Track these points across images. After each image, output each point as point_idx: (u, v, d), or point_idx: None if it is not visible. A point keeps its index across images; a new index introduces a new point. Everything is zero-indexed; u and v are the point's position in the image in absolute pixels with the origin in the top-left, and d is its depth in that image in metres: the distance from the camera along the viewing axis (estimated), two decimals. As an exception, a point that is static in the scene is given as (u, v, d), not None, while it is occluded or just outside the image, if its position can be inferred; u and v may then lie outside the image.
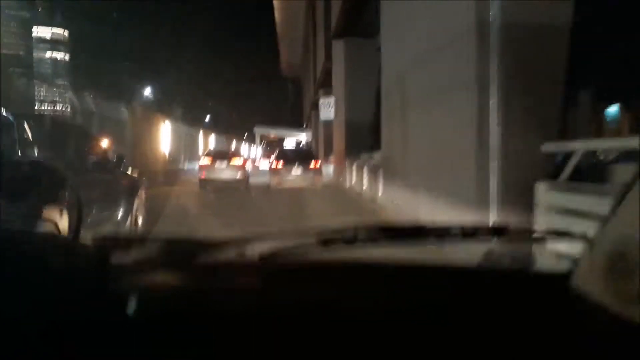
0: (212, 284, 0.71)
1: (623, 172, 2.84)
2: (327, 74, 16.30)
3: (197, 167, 13.85)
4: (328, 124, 16.23)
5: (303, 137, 32.54)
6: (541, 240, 0.94)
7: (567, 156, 3.19)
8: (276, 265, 0.77)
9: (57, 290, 0.56)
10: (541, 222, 3.08)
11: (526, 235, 0.93)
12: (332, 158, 16.10)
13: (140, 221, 5.06)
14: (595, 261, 0.62)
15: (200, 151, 21.45)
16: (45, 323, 0.46)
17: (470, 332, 0.54)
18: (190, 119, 25.17)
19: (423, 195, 5.18)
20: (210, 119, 36.92)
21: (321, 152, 18.61)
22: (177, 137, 18.82)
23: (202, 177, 11.66)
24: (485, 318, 0.59)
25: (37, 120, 4.32)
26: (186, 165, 19.45)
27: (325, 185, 12.16)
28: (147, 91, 21.62)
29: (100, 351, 0.45)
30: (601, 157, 4.39)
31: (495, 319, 0.59)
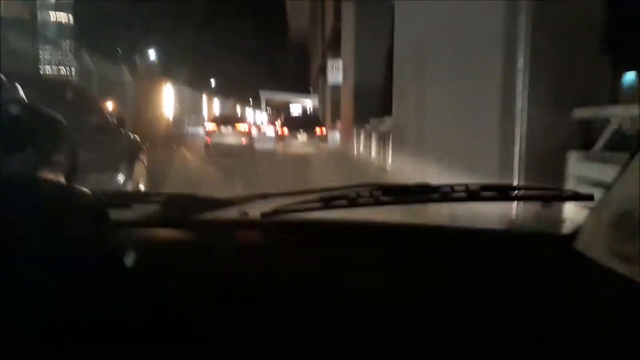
0: (213, 240, 0.69)
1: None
2: (336, 35, 15.68)
3: (201, 131, 13.74)
4: (335, 88, 15.75)
5: (309, 102, 32.01)
6: (547, 200, 0.90)
7: (604, 123, 2.91)
8: (278, 222, 0.76)
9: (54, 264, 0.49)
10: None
11: (532, 195, 0.93)
12: (339, 124, 15.75)
13: (141, 187, 4.94)
14: (601, 222, 0.61)
15: (205, 115, 21.18)
16: (45, 323, 0.44)
17: (474, 296, 0.53)
18: (194, 82, 24.66)
19: (438, 163, 4.91)
20: (216, 82, 36.24)
21: (328, 119, 18.26)
22: (181, 100, 18.48)
23: (208, 142, 11.61)
24: (487, 280, 0.58)
25: (32, 81, 4.20)
26: (190, 130, 19.22)
27: (331, 152, 11.94)
28: (151, 53, 21.11)
29: (100, 351, 0.44)
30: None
31: (500, 282, 0.58)
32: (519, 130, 3.37)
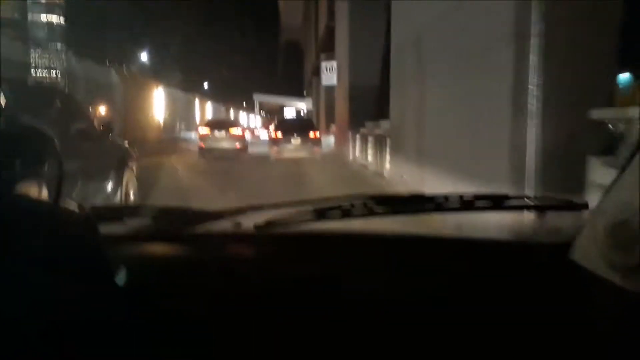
0: (206, 253, 0.70)
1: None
2: (330, 35, 15.48)
3: (193, 136, 13.64)
4: (330, 90, 15.56)
5: (303, 105, 31.86)
6: (542, 209, 0.89)
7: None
8: (271, 235, 0.77)
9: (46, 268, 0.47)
10: (594, 202, 2.63)
11: (526, 204, 0.92)
12: (333, 128, 15.55)
13: (131, 196, 4.71)
14: (596, 231, 0.60)
15: (197, 119, 20.95)
16: (45, 323, 0.43)
17: (468, 303, 0.54)
18: (186, 85, 24.41)
19: (441, 168, 4.70)
20: (208, 85, 35.94)
21: (322, 122, 18.08)
22: (172, 104, 18.20)
23: (201, 146, 11.59)
24: (484, 290, 0.58)
25: (16, 86, 3.98)
26: (182, 134, 18.95)
27: (325, 156, 11.77)
28: (141, 55, 20.81)
29: (100, 351, 0.43)
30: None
31: (494, 291, 0.58)
32: (533, 133, 3.17)
